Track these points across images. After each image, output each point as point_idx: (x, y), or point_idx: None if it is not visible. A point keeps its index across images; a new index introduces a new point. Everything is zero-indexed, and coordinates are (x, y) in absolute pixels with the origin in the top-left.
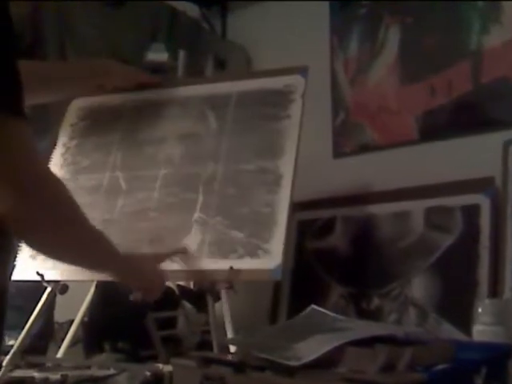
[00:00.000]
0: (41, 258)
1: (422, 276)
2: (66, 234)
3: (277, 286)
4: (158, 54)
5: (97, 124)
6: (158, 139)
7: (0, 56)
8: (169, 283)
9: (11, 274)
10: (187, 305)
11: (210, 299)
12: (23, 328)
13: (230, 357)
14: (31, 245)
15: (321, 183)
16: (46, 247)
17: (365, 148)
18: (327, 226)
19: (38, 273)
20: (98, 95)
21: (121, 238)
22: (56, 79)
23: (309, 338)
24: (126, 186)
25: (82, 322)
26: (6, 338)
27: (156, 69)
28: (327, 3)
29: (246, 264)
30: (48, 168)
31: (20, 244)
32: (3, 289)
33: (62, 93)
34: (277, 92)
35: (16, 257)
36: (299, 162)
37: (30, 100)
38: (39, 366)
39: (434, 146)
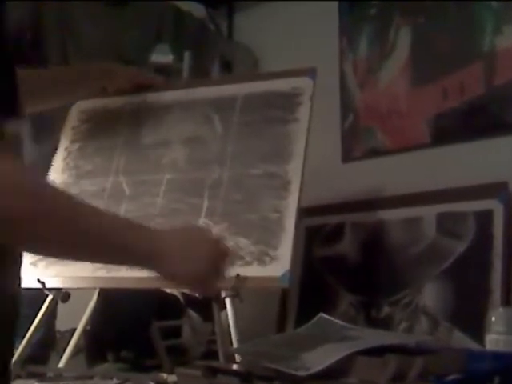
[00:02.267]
0: (42, 264)
1: (433, 283)
2: (75, 237)
3: (284, 294)
4: (162, 56)
5: (99, 127)
6: (162, 143)
7: None
8: (173, 291)
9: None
10: (192, 313)
11: (215, 307)
12: (24, 337)
13: (236, 367)
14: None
15: (329, 188)
16: (61, 255)
17: (375, 152)
18: (336, 233)
19: (39, 280)
20: (101, 98)
21: None
22: (58, 84)
23: (317, 348)
24: (130, 191)
25: (85, 331)
26: None
27: (160, 70)
28: (336, 3)
29: (252, 271)
30: (35, 181)
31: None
32: (15, 299)
33: (65, 98)
34: (284, 94)
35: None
36: (307, 166)
37: (33, 106)
38: (40, 376)
39: (445, 150)
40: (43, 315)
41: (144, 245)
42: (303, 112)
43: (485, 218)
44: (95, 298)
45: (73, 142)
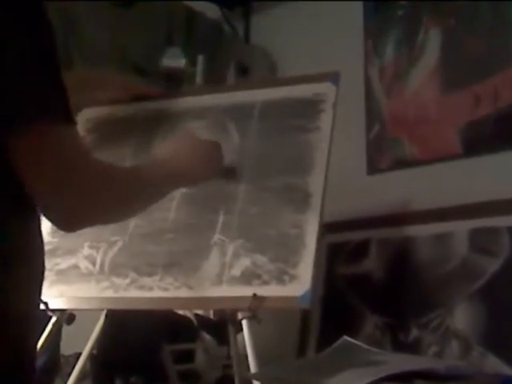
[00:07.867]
0: (45, 284)
1: (465, 304)
2: (137, 208)
3: (305, 315)
4: (174, 60)
5: (107, 137)
6: None
7: (46, 63)
8: (186, 313)
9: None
10: (206, 336)
11: (231, 330)
12: None
13: None
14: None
15: (353, 202)
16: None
17: (402, 163)
18: (361, 250)
19: (42, 301)
20: (105, 106)
21: (133, 262)
22: None
23: (340, 373)
24: None
25: (91, 355)
26: None
27: (172, 75)
28: (361, 3)
29: (270, 291)
30: (104, 165)
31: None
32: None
33: None
34: (305, 101)
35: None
36: (330, 178)
37: None
38: None
39: (478, 161)
40: (46, 338)
41: (178, 170)
42: (325, 120)
43: None
44: (102, 319)
45: None
